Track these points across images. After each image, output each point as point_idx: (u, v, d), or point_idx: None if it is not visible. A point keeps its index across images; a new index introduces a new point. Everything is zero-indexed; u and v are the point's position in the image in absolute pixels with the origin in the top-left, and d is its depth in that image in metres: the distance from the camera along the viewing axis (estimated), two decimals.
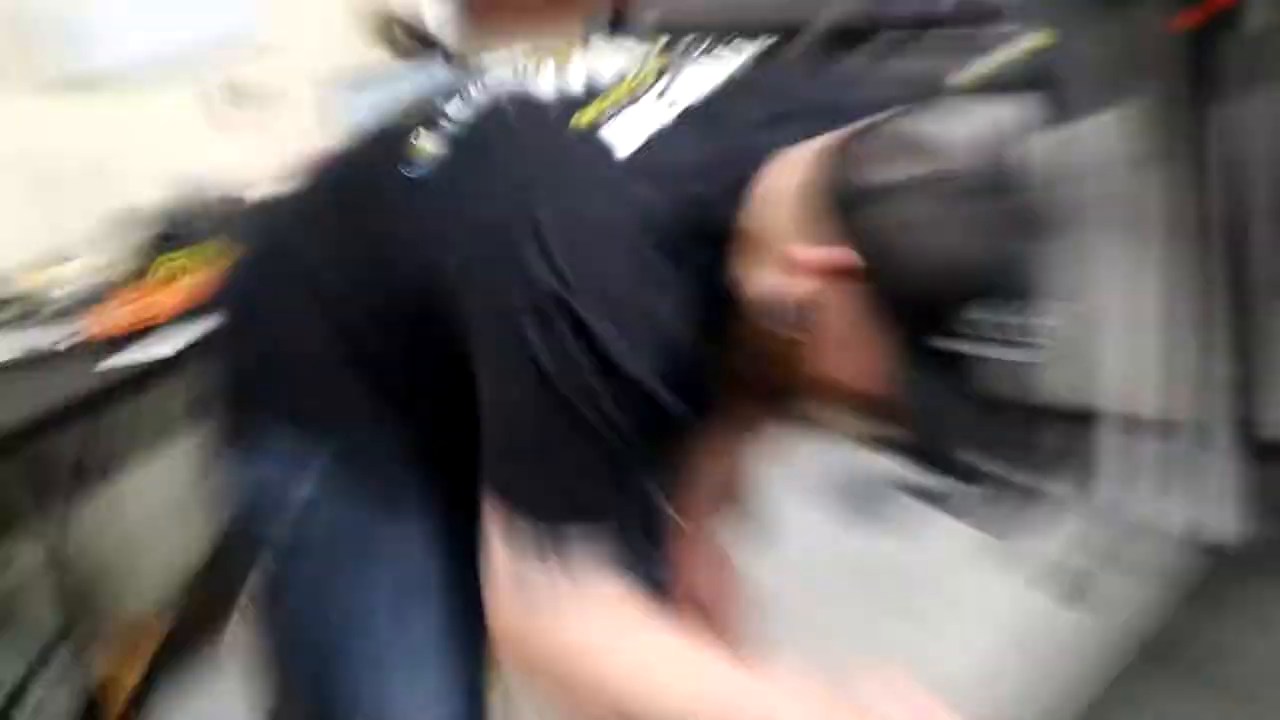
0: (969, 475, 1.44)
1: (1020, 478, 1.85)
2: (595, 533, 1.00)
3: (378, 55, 2.79)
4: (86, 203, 2.26)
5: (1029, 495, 2.24)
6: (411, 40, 2.73)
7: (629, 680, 1.01)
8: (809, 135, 0.99)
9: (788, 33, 2.17)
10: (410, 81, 1.94)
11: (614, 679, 1.02)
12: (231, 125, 2.54)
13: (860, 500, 2.43)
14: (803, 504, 2.38)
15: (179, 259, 2.08)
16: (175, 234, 2.21)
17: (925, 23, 2.16)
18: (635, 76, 1.11)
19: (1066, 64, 1.98)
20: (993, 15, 2.06)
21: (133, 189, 2.29)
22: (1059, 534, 2.24)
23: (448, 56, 2.75)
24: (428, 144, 1.10)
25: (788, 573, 2.05)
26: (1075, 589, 2.07)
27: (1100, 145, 2.12)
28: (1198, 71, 1.95)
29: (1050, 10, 2.05)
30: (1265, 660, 1.81)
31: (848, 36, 2.21)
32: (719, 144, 1.03)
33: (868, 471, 2.46)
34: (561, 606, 1.00)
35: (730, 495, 1.51)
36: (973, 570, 2.24)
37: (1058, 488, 2.32)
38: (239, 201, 2.32)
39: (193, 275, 2.02)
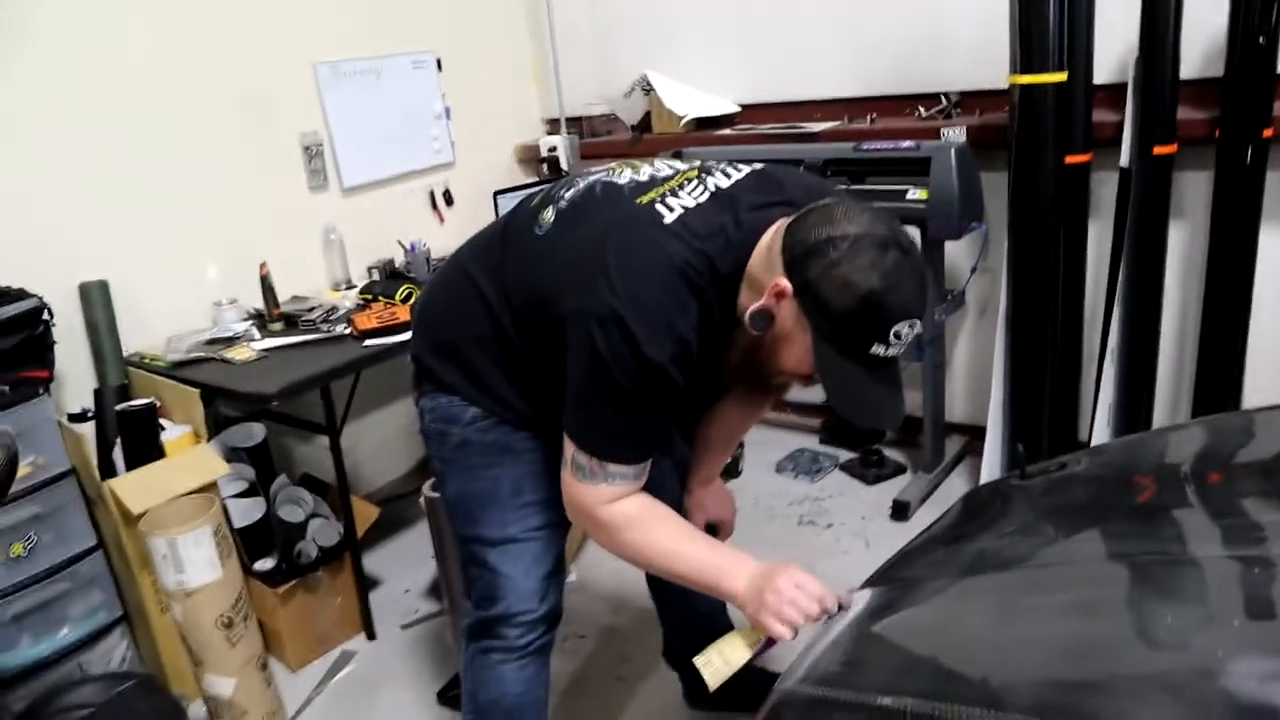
0: (854, 430, 2.20)
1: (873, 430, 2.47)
2: (619, 457, 1.19)
3: (526, 177, 3.43)
4: (358, 254, 2.89)
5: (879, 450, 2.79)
6: (548, 169, 3.24)
7: (641, 539, 1.23)
8: (785, 214, 1.15)
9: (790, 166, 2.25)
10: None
11: (629, 540, 1.24)
12: (438, 214, 3.17)
13: (799, 464, 3.04)
14: (764, 466, 3.02)
15: (408, 288, 2.53)
16: (406, 274, 2.81)
17: (884, 161, 2.47)
18: (681, 174, 1.24)
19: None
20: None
21: (383, 248, 2.95)
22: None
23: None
24: (549, 214, 1.27)
25: (753, 503, 2.77)
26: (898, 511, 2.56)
27: None
28: None
29: None
30: None
31: (831, 165, 2.56)
32: (731, 218, 1.15)
33: (804, 449, 3.10)
34: (596, 488, 1.21)
35: (731, 446, 1.67)
36: (848, 502, 2.73)
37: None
38: (443, 259, 2.37)
39: (416, 298, 2.22)
